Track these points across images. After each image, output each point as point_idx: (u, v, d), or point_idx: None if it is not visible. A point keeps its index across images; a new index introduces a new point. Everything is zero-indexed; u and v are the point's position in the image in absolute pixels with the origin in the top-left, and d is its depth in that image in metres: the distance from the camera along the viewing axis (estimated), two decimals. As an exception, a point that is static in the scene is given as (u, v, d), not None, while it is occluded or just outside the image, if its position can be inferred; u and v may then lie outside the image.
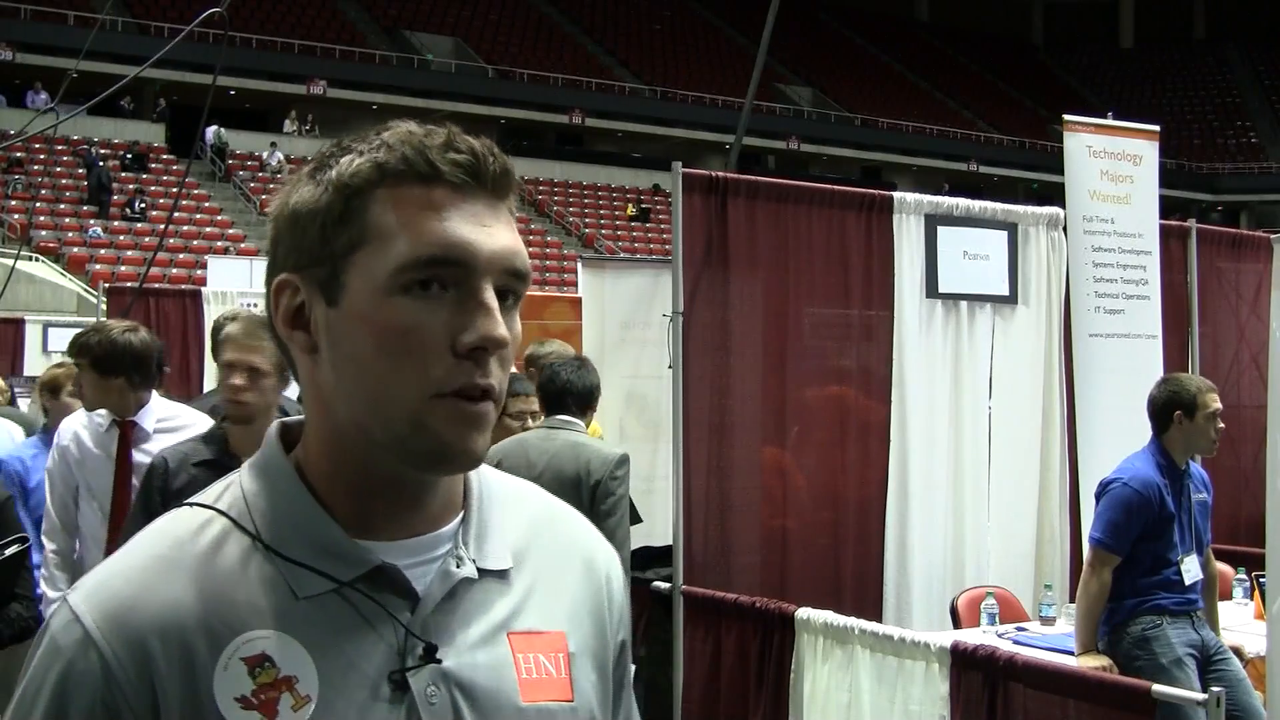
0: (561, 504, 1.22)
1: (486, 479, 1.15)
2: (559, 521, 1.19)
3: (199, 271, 19.66)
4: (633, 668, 1.24)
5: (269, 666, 0.99)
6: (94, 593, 1.01)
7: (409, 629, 1.02)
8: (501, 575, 1.09)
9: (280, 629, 1.00)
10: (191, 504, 1.07)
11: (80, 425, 4.01)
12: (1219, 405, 4.50)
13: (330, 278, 1.03)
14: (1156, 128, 6.22)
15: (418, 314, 1.00)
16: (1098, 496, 4.54)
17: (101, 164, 26.35)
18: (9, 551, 3.53)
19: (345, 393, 1.03)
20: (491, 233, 1.03)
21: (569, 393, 4.43)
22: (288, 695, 0.98)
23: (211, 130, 28.94)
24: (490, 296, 1.01)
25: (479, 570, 1.08)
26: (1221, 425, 4.53)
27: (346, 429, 1.04)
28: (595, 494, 4.21)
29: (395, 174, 1.02)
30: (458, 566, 1.07)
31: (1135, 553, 4.39)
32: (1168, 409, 4.47)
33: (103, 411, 3.93)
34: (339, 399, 1.04)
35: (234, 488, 1.08)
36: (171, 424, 3.93)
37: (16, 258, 14.76)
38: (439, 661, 1.02)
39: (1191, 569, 4.43)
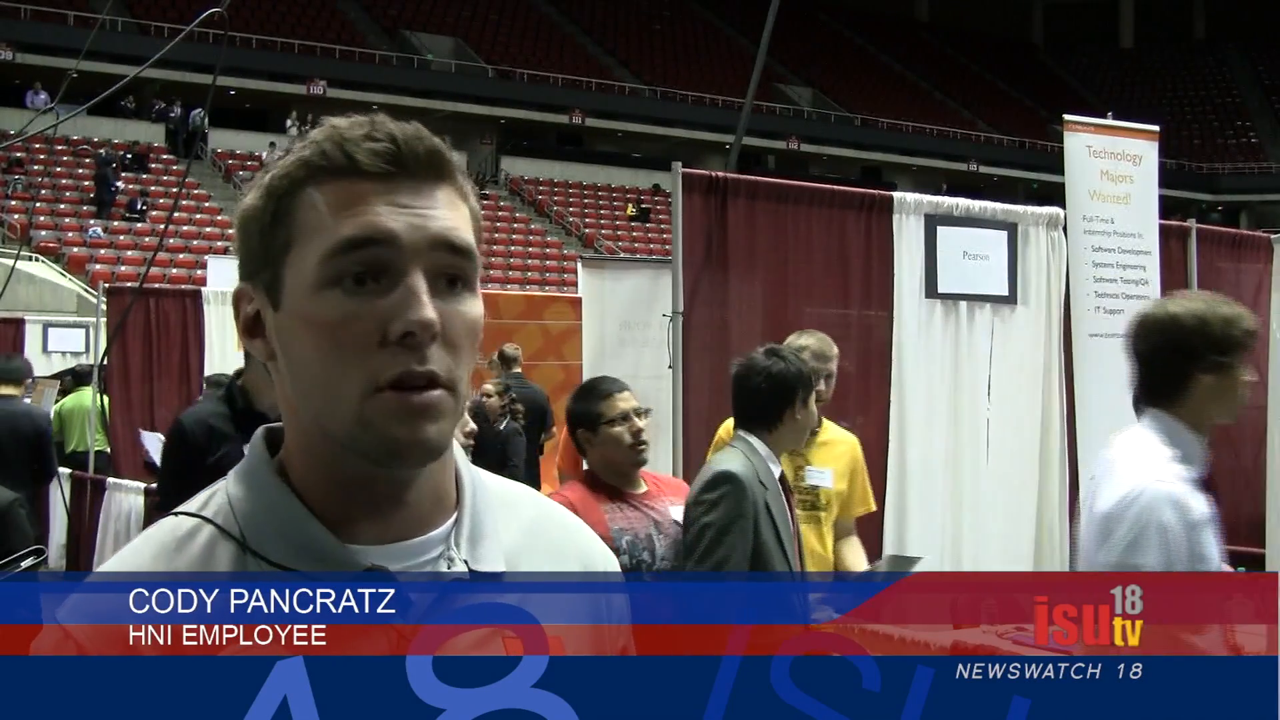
0: (557, 506, 1.21)
1: (481, 481, 1.14)
2: (554, 525, 1.18)
3: (199, 271, 19.68)
4: None
5: None
6: (78, 604, 1.02)
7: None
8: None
9: None
10: (178, 513, 1.07)
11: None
12: None
13: (273, 281, 1.03)
14: (1156, 128, 6.22)
15: (347, 306, 0.99)
16: None
17: (109, 165, 26.33)
18: (24, 564, 3.51)
19: (300, 394, 1.03)
20: (417, 215, 1.01)
21: (736, 398, 3.57)
22: None
23: (195, 113, 28.84)
24: (417, 280, 1.00)
25: (472, 572, 1.07)
26: None
27: (311, 430, 1.04)
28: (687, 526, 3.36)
29: (318, 170, 1.01)
30: (449, 567, 1.06)
31: None
32: None
33: None
34: (298, 401, 1.04)
35: (220, 494, 1.08)
36: None
37: (16, 258, 14.74)
38: None
39: (1191, 568, 4.43)
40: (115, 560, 1.06)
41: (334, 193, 1.01)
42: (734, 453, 3.45)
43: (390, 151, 1.01)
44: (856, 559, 4.20)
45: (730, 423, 3.70)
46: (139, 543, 1.07)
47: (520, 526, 1.14)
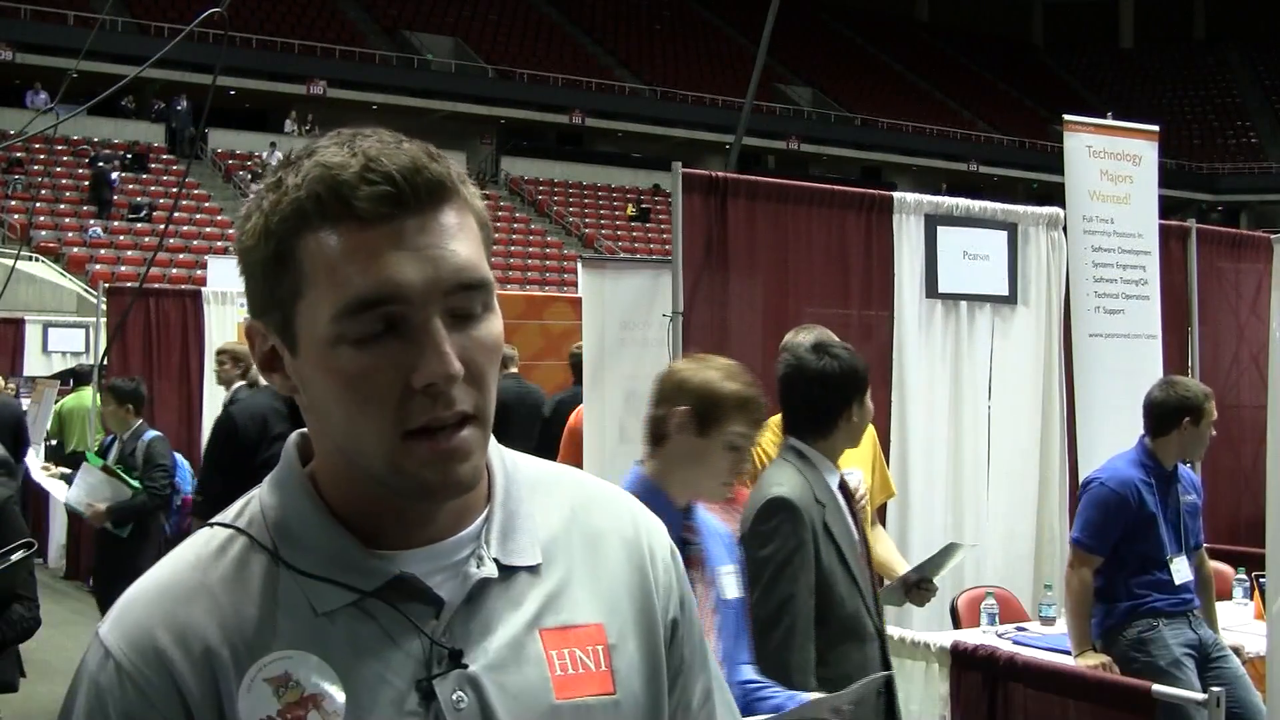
0: (599, 483, 1.19)
1: (514, 469, 1.12)
2: (595, 504, 1.15)
3: (199, 271, 19.66)
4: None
5: (294, 686, 0.98)
6: (118, 619, 1.02)
7: (432, 637, 1.01)
8: (532, 571, 1.07)
9: (302, 646, 0.99)
10: (213, 524, 1.07)
11: None
12: (1215, 413, 4.54)
13: (285, 325, 1.01)
14: (1156, 128, 6.23)
15: (366, 360, 0.97)
16: (1080, 496, 4.57)
17: (106, 164, 26.33)
18: (15, 557, 3.53)
19: (326, 432, 1.03)
20: (428, 257, 0.97)
21: (785, 404, 3.25)
22: (315, 713, 0.98)
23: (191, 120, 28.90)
24: (435, 329, 0.97)
25: (504, 567, 1.05)
26: (1214, 432, 4.57)
27: (336, 457, 1.04)
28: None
29: (316, 216, 0.97)
30: (478, 567, 1.05)
31: (1121, 554, 4.38)
32: (1177, 414, 4.44)
33: None
34: (323, 436, 1.04)
35: (254, 503, 1.07)
36: None
37: (16, 258, 14.76)
38: (465, 666, 1.01)
39: (1181, 569, 4.42)
40: (156, 570, 1.05)
41: (338, 240, 0.97)
42: (786, 469, 3.14)
43: (388, 194, 0.96)
44: (887, 551, 4.17)
45: (777, 420, 3.33)
46: (181, 550, 1.07)
47: (560, 513, 1.12)
